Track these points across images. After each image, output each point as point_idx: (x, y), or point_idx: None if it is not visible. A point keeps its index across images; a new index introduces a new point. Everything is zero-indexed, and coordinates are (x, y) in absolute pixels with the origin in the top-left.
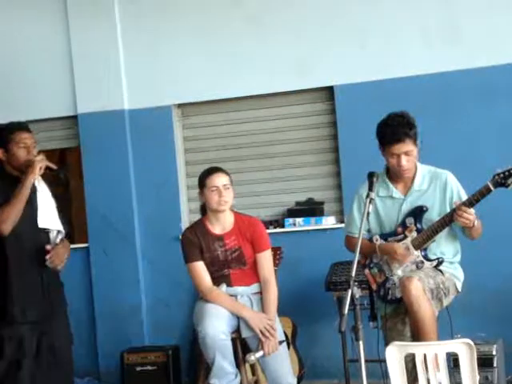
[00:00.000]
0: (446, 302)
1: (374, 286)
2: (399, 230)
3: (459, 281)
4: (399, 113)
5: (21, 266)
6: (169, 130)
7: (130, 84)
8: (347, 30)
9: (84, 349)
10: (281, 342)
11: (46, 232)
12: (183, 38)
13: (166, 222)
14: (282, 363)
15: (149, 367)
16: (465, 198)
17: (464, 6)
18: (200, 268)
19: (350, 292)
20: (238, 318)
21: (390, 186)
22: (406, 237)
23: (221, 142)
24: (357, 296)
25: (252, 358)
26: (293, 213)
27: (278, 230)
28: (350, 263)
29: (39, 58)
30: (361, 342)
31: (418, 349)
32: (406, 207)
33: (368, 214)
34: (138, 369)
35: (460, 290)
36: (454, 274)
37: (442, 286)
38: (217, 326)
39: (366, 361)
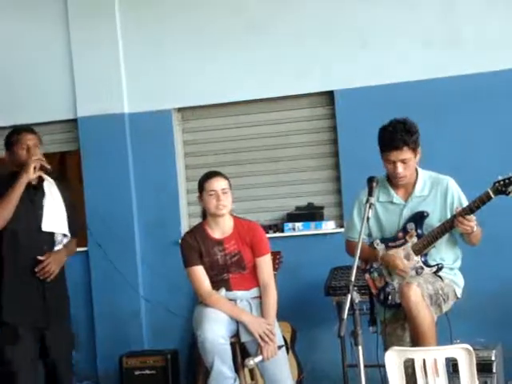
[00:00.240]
0: (445, 308)
1: (375, 291)
2: (400, 235)
3: (459, 287)
4: (401, 119)
5: (16, 267)
6: (169, 133)
7: (130, 88)
8: (347, 35)
9: (83, 352)
10: (280, 347)
11: (50, 234)
12: (183, 43)
13: (165, 226)
14: (281, 368)
15: (147, 371)
16: (466, 203)
17: (465, 11)
18: (199, 272)
19: (349, 297)
20: (238, 322)
21: (391, 191)
22: (406, 242)
23: (221, 147)
24: (356, 301)
25: (251, 362)
26: (292, 217)
27: (278, 234)
28: (350, 268)
29: (39, 62)
30: (360, 347)
31: (417, 354)
32: (407, 213)
33: (368, 218)
34: (137, 373)
35: (460, 296)
36: (454, 280)
37: (441, 292)
38: (216, 331)
39: (366, 366)
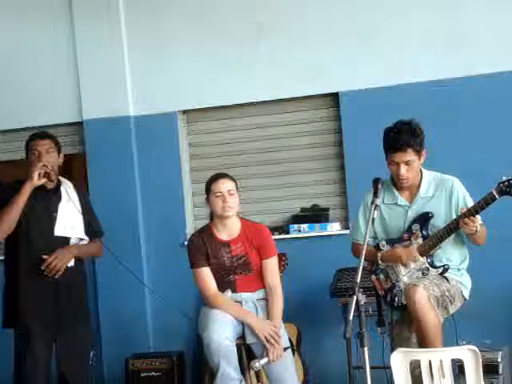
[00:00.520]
0: (452, 310)
1: (382, 292)
2: (405, 236)
3: (466, 288)
4: (407, 121)
5: (30, 271)
6: (174, 136)
7: (135, 90)
8: (352, 37)
9: None
10: (286, 349)
11: (65, 238)
12: (188, 45)
13: (170, 228)
14: (287, 370)
15: (153, 373)
16: (471, 204)
17: (471, 13)
18: (205, 274)
19: (355, 298)
20: (243, 324)
21: (396, 193)
22: (411, 243)
23: (226, 149)
24: (362, 302)
25: (257, 364)
26: (298, 219)
27: (283, 236)
28: (355, 269)
29: (45, 65)
30: (366, 349)
31: (423, 355)
32: (412, 214)
33: (373, 220)
34: (143, 375)
35: (467, 297)
36: (461, 281)
37: (447, 293)
38: (222, 332)
39: (371, 367)
